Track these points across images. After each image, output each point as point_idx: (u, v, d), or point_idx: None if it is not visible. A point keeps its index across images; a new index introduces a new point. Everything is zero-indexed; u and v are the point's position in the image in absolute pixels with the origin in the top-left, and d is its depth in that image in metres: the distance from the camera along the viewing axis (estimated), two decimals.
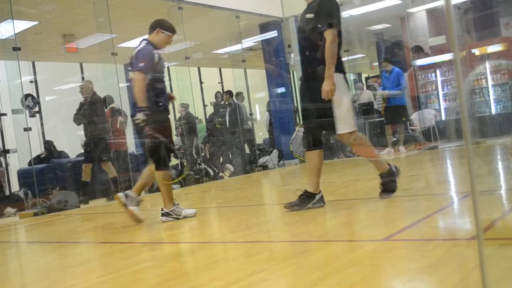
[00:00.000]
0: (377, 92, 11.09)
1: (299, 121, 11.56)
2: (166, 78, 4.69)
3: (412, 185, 4.92)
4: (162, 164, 4.23)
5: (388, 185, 3.87)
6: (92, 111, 7.79)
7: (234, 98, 10.86)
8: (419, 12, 12.31)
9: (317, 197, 3.88)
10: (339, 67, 3.75)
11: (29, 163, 8.07)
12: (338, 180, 6.39)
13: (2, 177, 8.71)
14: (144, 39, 4.37)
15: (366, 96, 11.14)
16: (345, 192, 4.96)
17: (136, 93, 4.09)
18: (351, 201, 4.34)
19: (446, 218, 3.04)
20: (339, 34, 3.75)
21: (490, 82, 10.73)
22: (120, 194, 4.29)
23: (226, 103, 10.87)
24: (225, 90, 12.04)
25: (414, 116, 11.08)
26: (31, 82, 10.37)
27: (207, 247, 3.10)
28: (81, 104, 7.98)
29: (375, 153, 3.98)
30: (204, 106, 13.99)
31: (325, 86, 3.64)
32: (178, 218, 4.23)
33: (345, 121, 3.72)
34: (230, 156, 10.97)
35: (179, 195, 7.55)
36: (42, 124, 10.54)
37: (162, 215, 4.26)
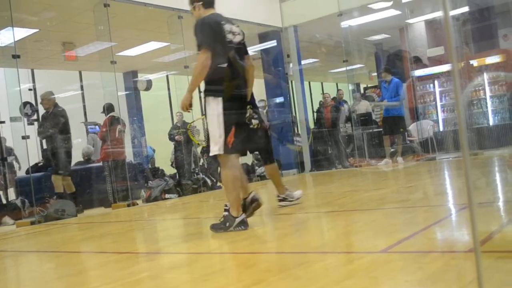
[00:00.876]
0: (375, 103, 11.12)
1: (298, 131, 11.58)
2: None
3: (409, 197, 4.92)
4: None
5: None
6: (55, 123, 7.67)
7: None
8: (418, 23, 12.40)
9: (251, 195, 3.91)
10: (216, 90, 3.70)
11: (27, 172, 8.05)
12: (336, 191, 6.39)
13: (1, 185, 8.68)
14: None
15: (363, 106, 11.16)
16: (343, 203, 4.96)
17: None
18: (348, 212, 4.33)
19: (444, 230, 3.04)
20: (229, 58, 3.72)
21: (488, 94, 10.78)
22: (282, 204, 4.84)
23: None
24: None
25: (412, 127, 11.10)
26: (30, 90, 10.35)
27: (205, 258, 3.08)
28: (43, 117, 7.87)
29: (235, 193, 3.69)
30: (203, 115, 13.99)
31: (182, 99, 3.76)
32: (292, 201, 4.79)
33: (214, 143, 3.68)
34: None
35: (176, 205, 7.54)
36: None
37: (279, 201, 4.85)
